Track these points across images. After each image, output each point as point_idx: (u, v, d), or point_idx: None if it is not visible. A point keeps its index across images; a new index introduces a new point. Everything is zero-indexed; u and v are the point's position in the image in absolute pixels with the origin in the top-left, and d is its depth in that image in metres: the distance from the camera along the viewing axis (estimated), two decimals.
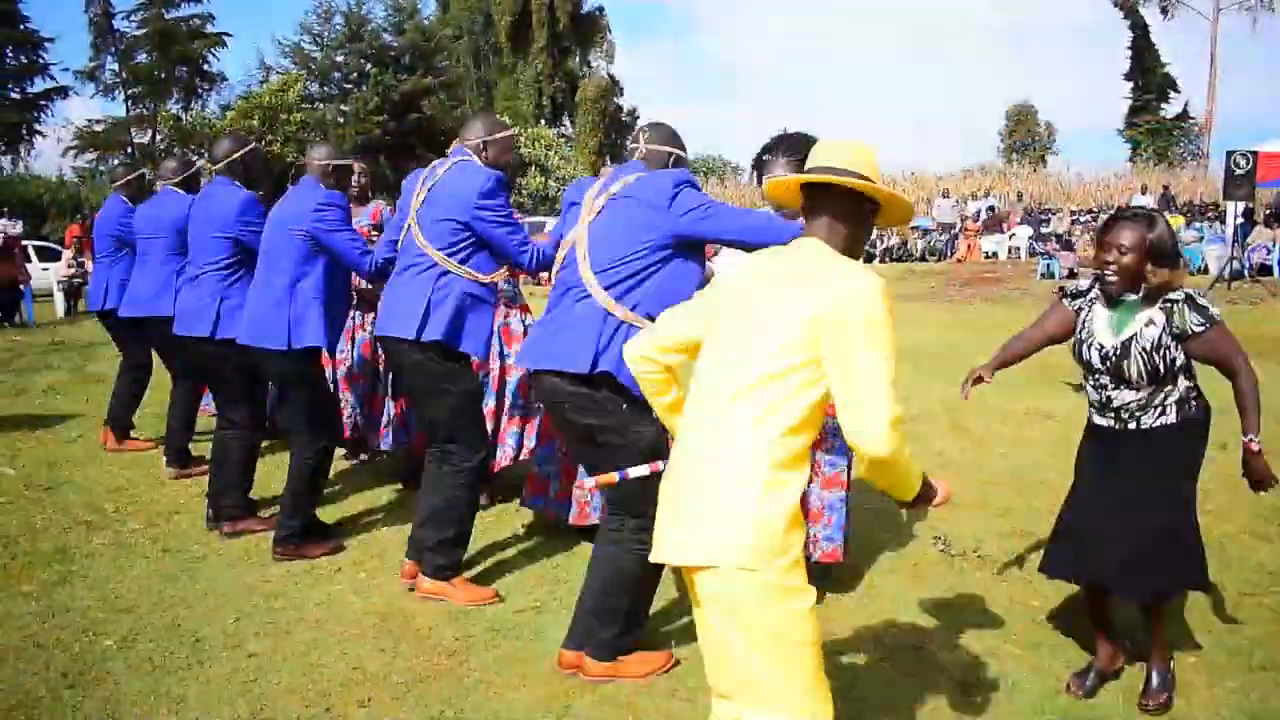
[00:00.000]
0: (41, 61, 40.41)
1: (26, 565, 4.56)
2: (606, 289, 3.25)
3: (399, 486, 5.70)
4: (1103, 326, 3.27)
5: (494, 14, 44.88)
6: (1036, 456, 6.38)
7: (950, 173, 34.95)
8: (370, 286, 5.31)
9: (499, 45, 45.45)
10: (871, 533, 4.85)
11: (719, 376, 2.18)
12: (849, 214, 2.27)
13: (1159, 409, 3.19)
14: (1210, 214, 20.70)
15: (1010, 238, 23.36)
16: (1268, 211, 19.61)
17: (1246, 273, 16.76)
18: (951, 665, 3.59)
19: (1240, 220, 17.57)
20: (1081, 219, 23.68)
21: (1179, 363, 3.14)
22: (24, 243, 17.05)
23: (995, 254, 23.28)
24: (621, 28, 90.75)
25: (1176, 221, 20.32)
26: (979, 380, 3.62)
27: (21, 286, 14.94)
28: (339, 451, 5.87)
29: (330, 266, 4.54)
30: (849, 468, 4.13)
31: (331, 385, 5.82)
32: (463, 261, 4.00)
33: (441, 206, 4.01)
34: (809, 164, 2.33)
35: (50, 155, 54.34)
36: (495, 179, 4.02)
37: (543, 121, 39.62)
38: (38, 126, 39.99)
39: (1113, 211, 3.32)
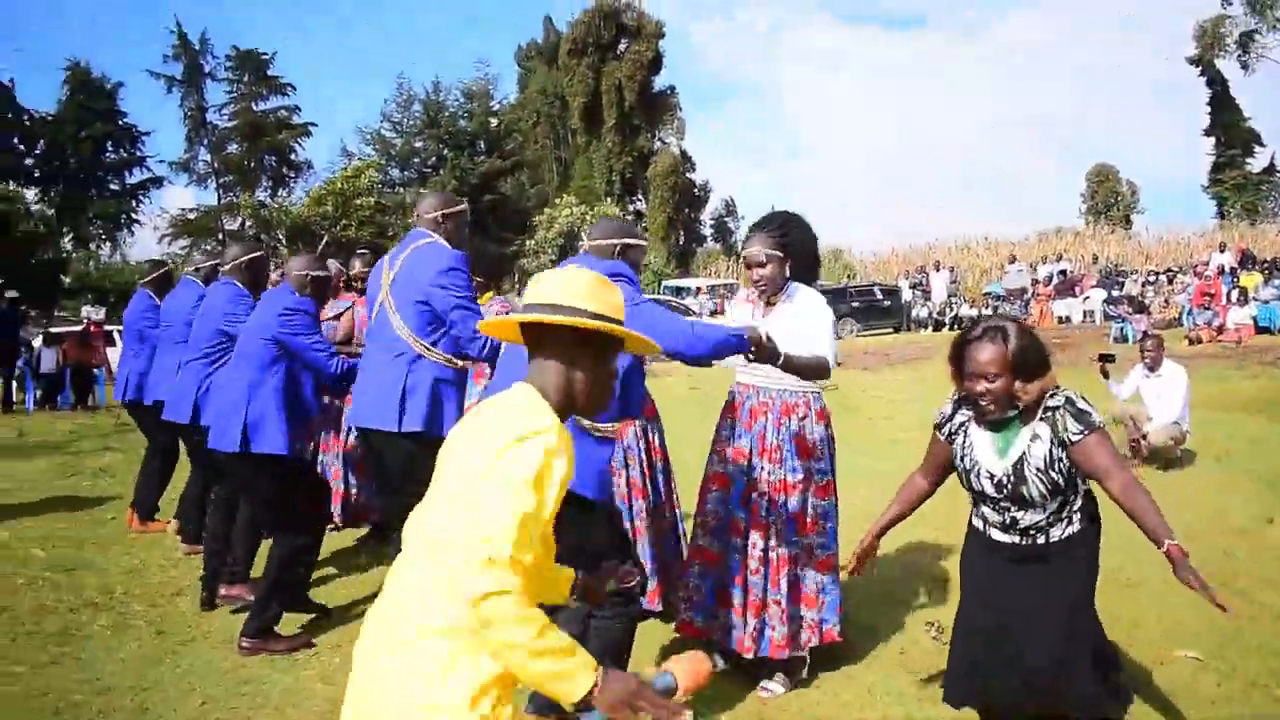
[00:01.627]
0: (139, 154, 42.55)
1: (27, 646, 4.65)
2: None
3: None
4: (987, 452, 2.99)
5: (567, 96, 45.91)
6: None
7: (1026, 237, 34.45)
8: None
9: (574, 126, 46.43)
10: (863, 616, 4.69)
11: (412, 550, 1.94)
12: (571, 355, 2.01)
13: (1066, 520, 2.95)
14: None
15: (1084, 301, 22.86)
16: None
17: None
18: None
19: None
20: (1152, 280, 23.04)
21: (1075, 471, 2.90)
22: (107, 328, 17.70)
23: (1068, 318, 22.78)
24: (696, 102, 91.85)
25: (1254, 279, 19.68)
26: (866, 556, 3.39)
27: (96, 370, 15.52)
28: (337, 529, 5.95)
29: (294, 371, 4.58)
30: (837, 551, 4.03)
31: (342, 468, 5.89)
32: (434, 345, 4.02)
33: (410, 287, 4.03)
34: (526, 298, 2.08)
35: (147, 242, 56.74)
36: (459, 256, 4.05)
37: (608, 199, 40.15)
38: (135, 215, 41.96)
39: (959, 335, 3.01)
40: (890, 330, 25.00)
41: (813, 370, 3.73)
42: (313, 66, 74.71)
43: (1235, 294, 18.67)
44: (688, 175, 45.50)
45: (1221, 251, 24.04)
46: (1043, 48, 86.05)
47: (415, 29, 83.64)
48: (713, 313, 22.90)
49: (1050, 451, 2.85)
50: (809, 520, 3.93)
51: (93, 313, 18.25)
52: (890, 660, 4.31)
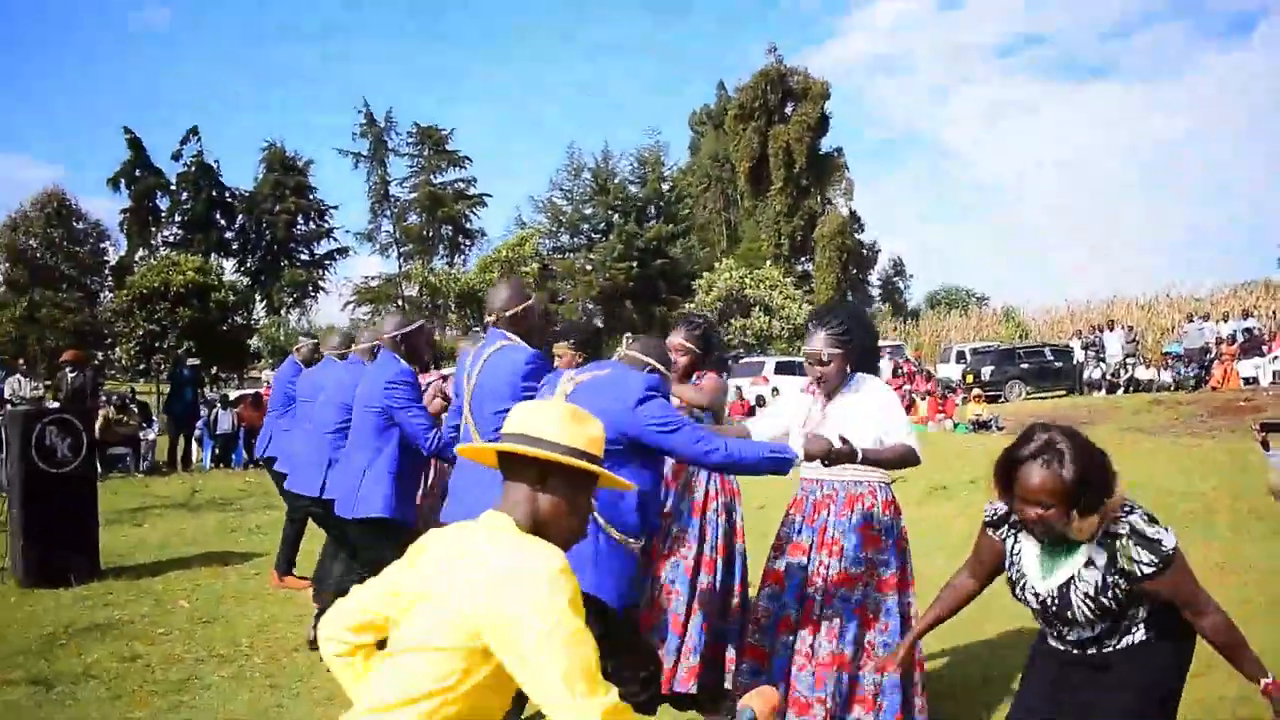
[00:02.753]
0: (327, 226, 45.38)
1: (150, 693, 4.95)
2: None
3: None
4: (1033, 566, 2.69)
5: (733, 160, 46.43)
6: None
7: (1211, 293, 32.55)
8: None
9: (741, 190, 46.87)
10: (948, 706, 4.49)
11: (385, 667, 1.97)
12: (542, 486, 2.05)
13: (1124, 632, 2.63)
14: None
15: (1272, 361, 21.33)
16: None
17: None
18: None
19: None
20: None
21: (1135, 592, 2.57)
22: None
23: (1255, 379, 21.29)
24: (866, 159, 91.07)
25: None
26: (903, 661, 3.20)
27: None
28: None
29: (405, 440, 4.71)
30: None
31: None
32: None
33: (491, 398, 3.89)
34: (506, 427, 2.12)
35: (331, 309, 59.91)
36: (535, 356, 3.96)
37: (768, 262, 40.16)
38: (322, 284, 44.61)
39: (1008, 450, 2.62)
40: (1062, 393, 24.01)
41: (898, 460, 3.62)
42: (495, 138, 78.09)
43: None
44: (856, 236, 45.18)
45: None
46: (1235, 89, 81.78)
47: (596, 101, 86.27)
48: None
49: (1104, 579, 2.53)
50: (870, 615, 3.74)
51: (270, 375, 19.38)
52: None
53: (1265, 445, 7.68)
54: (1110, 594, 2.53)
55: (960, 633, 5.48)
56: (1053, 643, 2.75)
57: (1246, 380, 21.38)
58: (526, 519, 2.02)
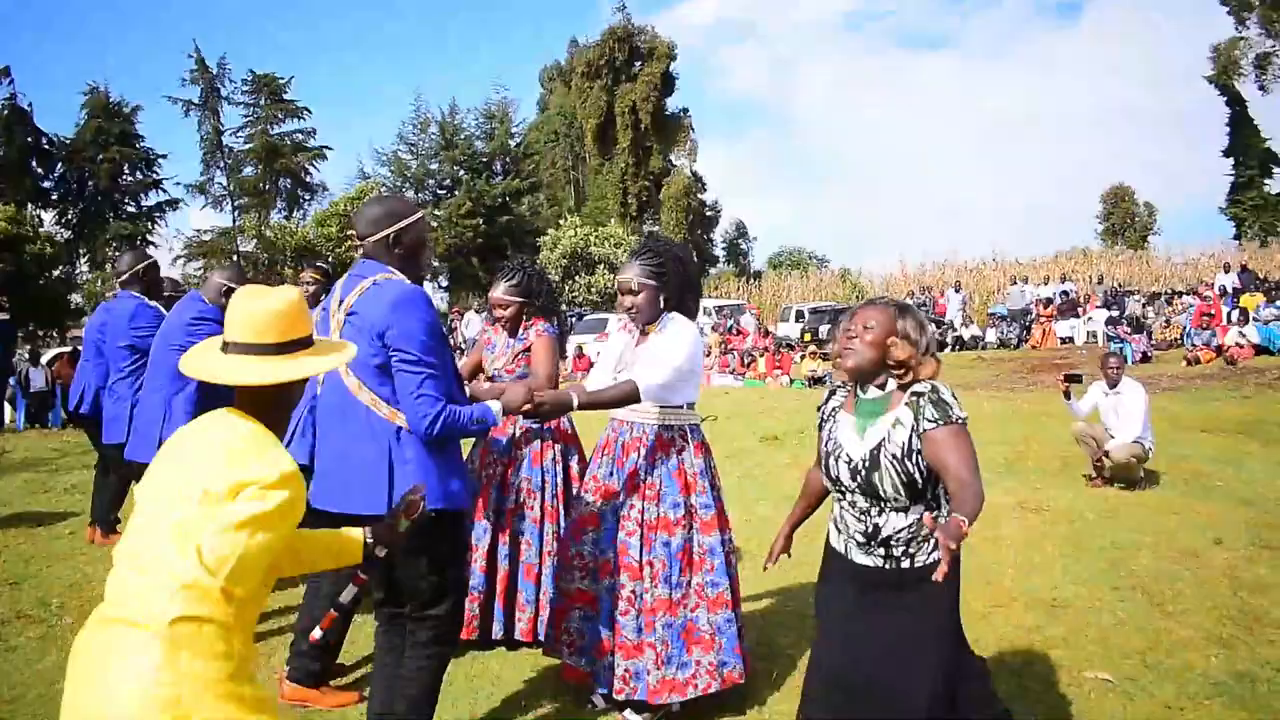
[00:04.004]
0: (155, 177, 43.04)
1: None
2: (387, 402, 3.08)
3: None
4: (849, 433, 2.86)
5: (579, 118, 46.23)
6: (1002, 556, 6.08)
7: (1033, 258, 34.33)
8: None
9: (588, 148, 46.77)
10: (768, 636, 4.66)
11: (125, 557, 2.09)
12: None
13: (931, 541, 2.74)
14: None
15: (1086, 322, 22.73)
16: None
17: None
18: None
19: None
20: (1153, 301, 22.87)
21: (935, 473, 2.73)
22: None
23: (1071, 339, 22.66)
24: (712, 122, 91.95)
25: (1255, 300, 19.51)
26: (778, 553, 3.30)
27: None
28: None
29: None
30: (732, 586, 3.88)
31: None
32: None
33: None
34: (227, 333, 2.28)
35: (162, 264, 57.19)
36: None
37: (613, 220, 40.31)
38: (151, 238, 42.30)
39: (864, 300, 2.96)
40: None
41: (618, 399, 3.67)
42: (339, 90, 75.47)
43: (1235, 314, 18.52)
44: (699, 196, 45.70)
45: (1226, 272, 23.85)
46: (1067, 67, 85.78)
47: (444, 54, 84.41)
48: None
49: (910, 440, 2.73)
50: (695, 558, 3.79)
51: None
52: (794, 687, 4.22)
53: (1067, 394, 8.22)
54: (914, 459, 2.72)
55: (796, 569, 5.71)
56: (860, 559, 2.86)
57: (1063, 339, 22.75)
58: (261, 411, 2.21)
